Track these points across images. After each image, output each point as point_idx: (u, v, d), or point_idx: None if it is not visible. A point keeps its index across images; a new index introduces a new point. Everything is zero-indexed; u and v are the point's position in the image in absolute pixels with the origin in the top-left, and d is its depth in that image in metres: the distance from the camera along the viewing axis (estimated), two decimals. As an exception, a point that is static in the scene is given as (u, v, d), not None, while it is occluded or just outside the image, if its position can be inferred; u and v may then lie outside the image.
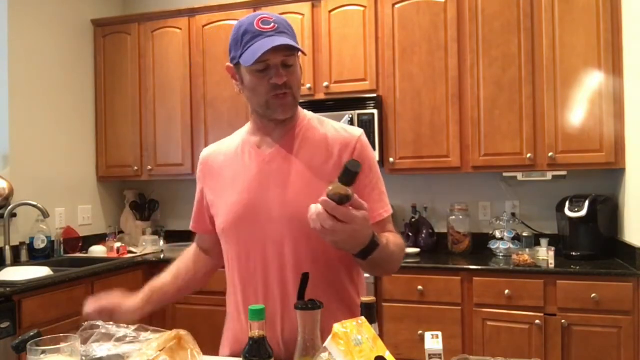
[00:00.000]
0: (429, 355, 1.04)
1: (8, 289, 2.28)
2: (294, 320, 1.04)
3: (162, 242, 3.57)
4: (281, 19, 1.23)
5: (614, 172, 2.85)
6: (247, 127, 1.38)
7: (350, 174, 0.97)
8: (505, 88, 2.84)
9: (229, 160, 1.35)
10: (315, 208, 0.98)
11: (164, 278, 1.44)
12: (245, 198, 1.27)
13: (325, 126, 1.33)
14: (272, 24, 1.19)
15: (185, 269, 1.46)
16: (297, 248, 1.22)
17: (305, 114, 1.35)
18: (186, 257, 1.49)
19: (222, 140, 1.44)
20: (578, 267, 2.53)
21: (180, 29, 3.48)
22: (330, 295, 1.21)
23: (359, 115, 3.00)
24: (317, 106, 3.02)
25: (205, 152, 1.44)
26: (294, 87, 1.25)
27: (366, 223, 1.02)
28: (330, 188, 0.98)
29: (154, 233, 3.69)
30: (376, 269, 1.32)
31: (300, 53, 1.24)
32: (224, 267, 1.37)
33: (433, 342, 1.05)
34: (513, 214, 3.10)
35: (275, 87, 1.21)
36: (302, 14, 3.19)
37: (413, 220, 3.20)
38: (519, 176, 2.92)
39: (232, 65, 1.27)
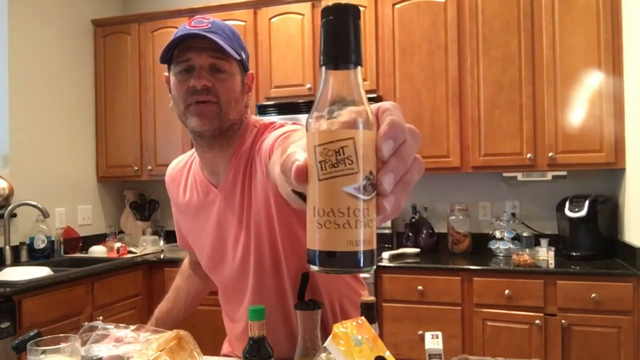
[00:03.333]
0: (429, 355, 1.04)
1: (8, 289, 2.28)
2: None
3: (162, 242, 3.57)
4: (221, 23, 1.07)
5: (614, 172, 2.85)
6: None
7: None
8: (505, 88, 2.84)
9: (189, 194, 1.22)
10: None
11: (167, 305, 1.41)
12: (209, 245, 1.19)
13: (271, 133, 1.05)
14: (206, 24, 1.04)
15: (185, 289, 1.45)
16: (272, 288, 1.13)
17: (256, 130, 1.13)
18: (181, 277, 1.47)
19: (184, 162, 1.28)
20: (578, 267, 2.53)
21: (180, 29, 3.48)
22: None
23: (359, 115, 2.99)
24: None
25: (167, 175, 1.31)
26: (222, 98, 1.05)
27: None
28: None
29: (154, 233, 3.69)
30: None
31: (246, 73, 1.10)
32: None
33: (433, 342, 1.05)
34: (513, 214, 3.10)
35: (194, 91, 1.03)
36: (302, 14, 3.19)
37: (413, 220, 3.20)
38: (519, 176, 2.92)
39: (167, 75, 1.12)
